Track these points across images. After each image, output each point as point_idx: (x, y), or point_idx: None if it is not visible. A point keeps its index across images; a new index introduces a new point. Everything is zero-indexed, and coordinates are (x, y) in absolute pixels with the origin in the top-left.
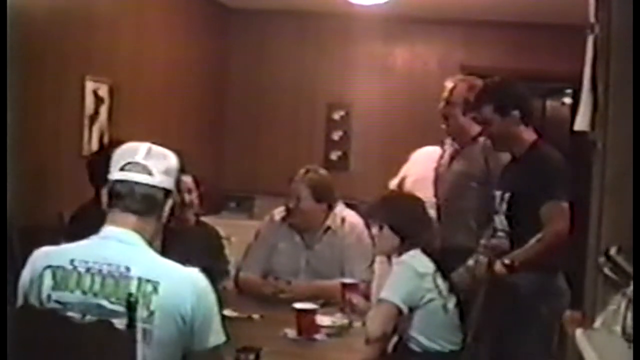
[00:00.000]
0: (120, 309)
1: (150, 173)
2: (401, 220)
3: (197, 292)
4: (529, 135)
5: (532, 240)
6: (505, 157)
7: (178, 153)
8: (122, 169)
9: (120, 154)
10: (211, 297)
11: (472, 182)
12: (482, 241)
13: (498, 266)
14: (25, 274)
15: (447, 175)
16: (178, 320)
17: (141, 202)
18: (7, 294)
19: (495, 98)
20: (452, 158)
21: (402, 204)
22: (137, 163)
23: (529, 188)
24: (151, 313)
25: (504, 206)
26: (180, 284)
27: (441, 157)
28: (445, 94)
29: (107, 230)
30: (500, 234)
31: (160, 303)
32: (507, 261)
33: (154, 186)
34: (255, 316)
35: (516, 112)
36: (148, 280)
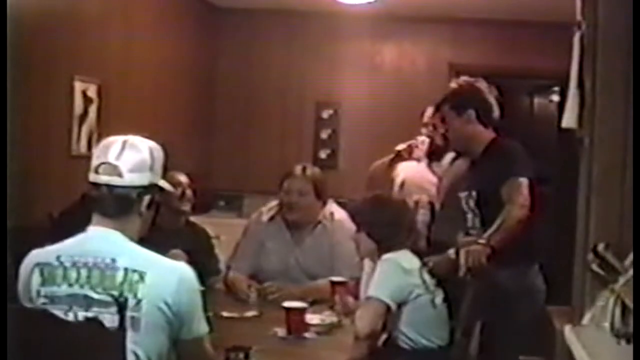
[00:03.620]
0: (107, 299)
1: (120, 174)
2: (375, 225)
3: (182, 281)
4: (486, 134)
5: (498, 220)
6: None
7: (162, 145)
8: (96, 171)
9: (97, 152)
10: (196, 288)
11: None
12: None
13: (476, 251)
14: (19, 282)
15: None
16: (165, 308)
17: (114, 205)
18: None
19: (451, 99)
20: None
21: (377, 209)
22: (108, 164)
23: (492, 181)
24: (138, 301)
25: (472, 204)
26: (166, 274)
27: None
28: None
29: (91, 229)
30: (472, 231)
31: (147, 291)
32: (482, 240)
33: (124, 187)
34: (245, 315)
35: (471, 111)
36: (134, 270)
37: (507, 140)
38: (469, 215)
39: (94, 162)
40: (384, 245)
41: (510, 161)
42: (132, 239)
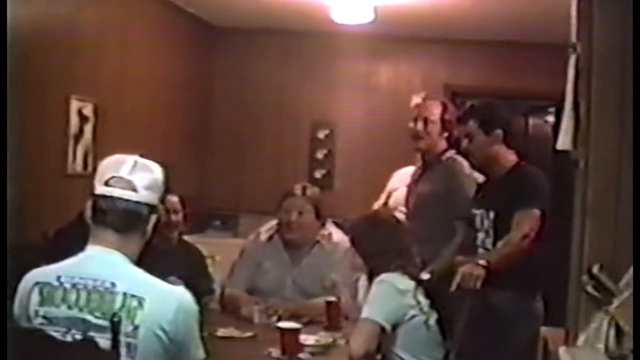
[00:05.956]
0: (105, 323)
1: (134, 189)
2: (365, 244)
3: (181, 308)
4: (511, 156)
5: (500, 243)
6: (468, 179)
7: (164, 167)
8: (106, 184)
9: (106, 167)
10: (195, 314)
11: (434, 202)
12: (459, 257)
13: (472, 267)
14: (16, 300)
15: (414, 194)
16: (161, 335)
17: (124, 219)
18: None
19: (481, 115)
20: (419, 178)
21: (369, 228)
22: (121, 178)
23: (509, 205)
24: (135, 327)
25: (487, 224)
26: (165, 300)
27: (413, 174)
28: (423, 112)
29: (91, 249)
30: (481, 250)
31: (144, 318)
32: (482, 262)
33: (137, 202)
34: (240, 335)
35: (499, 132)
36: (133, 296)
37: (531, 167)
38: (480, 235)
39: (104, 176)
40: (374, 264)
41: (530, 191)
42: (132, 259)
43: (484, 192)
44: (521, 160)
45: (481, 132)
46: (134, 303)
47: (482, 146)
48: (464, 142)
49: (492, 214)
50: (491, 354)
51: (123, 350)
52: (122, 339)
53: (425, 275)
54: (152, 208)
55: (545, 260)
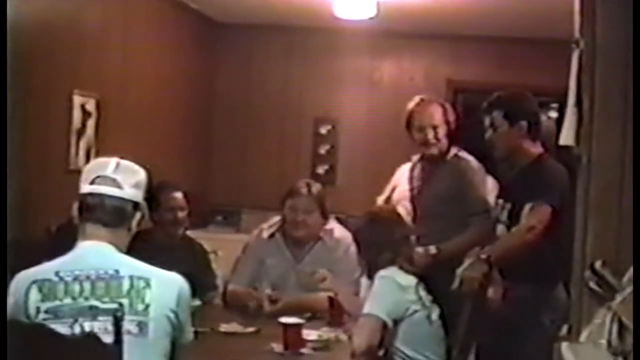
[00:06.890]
0: (115, 306)
1: (119, 186)
2: (365, 242)
3: (182, 291)
4: (535, 148)
5: (506, 235)
6: (477, 177)
7: (147, 169)
8: (92, 183)
9: (90, 169)
10: (190, 298)
11: (444, 204)
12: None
13: (472, 269)
14: (10, 300)
15: (421, 197)
16: (171, 315)
17: (111, 215)
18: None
19: (507, 106)
20: (425, 180)
21: (368, 226)
22: (106, 177)
23: (524, 198)
24: (147, 306)
25: (504, 215)
26: (168, 283)
27: (412, 176)
28: (428, 120)
29: (84, 244)
30: None
31: (154, 297)
32: (483, 256)
33: (123, 199)
34: (243, 330)
35: (524, 123)
36: (140, 277)
37: (551, 161)
38: (499, 226)
39: (89, 176)
40: (375, 260)
41: (543, 185)
42: (123, 252)
43: (505, 184)
44: (545, 153)
45: (506, 123)
46: (142, 284)
47: (506, 137)
48: (488, 132)
49: (509, 206)
50: (506, 349)
51: (135, 329)
52: (134, 317)
53: (432, 250)
54: (136, 205)
55: (560, 253)
